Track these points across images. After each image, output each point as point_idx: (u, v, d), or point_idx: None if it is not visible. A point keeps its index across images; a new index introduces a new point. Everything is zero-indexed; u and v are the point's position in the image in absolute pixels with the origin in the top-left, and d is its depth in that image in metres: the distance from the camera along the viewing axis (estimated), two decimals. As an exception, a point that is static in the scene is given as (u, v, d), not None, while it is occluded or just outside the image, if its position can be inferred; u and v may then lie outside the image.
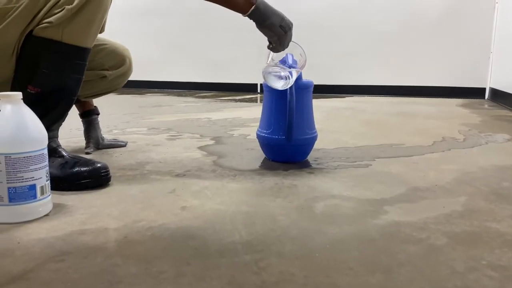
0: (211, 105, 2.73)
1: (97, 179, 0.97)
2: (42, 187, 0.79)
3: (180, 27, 3.82)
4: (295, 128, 1.14)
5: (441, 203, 0.89)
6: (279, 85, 1.12)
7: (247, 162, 1.23)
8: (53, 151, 0.97)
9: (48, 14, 0.90)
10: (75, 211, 0.83)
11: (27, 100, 0.82)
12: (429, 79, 3.29)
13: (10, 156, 0.75)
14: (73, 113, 1.36)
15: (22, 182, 0.76)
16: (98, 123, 1.36)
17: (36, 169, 0.78)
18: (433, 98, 3.10)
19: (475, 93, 3.15)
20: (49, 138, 0.96)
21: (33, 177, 0.77)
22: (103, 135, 1.39)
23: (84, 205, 0.86)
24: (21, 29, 0.90)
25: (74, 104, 1.32)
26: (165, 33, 3.90)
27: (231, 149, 1.41)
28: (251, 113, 2.28)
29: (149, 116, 2.19)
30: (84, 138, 1.36)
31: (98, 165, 0.97)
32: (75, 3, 0.90)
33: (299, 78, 1.16)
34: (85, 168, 0.96)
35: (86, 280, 0.58)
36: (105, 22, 1.02)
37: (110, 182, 1.00)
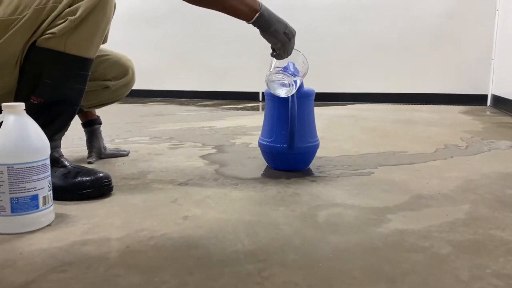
0: (213, 114, 2.74)
1: (99, 188, 0.96)
2: (44, 197, 0.79)
3: (182, 36, 3.84)
4: (297, 137, 1.14)
5: (445, 211, 0.89)
6: (283, 92, 1.13)
7: (249, 170, 1.23)
8: (56, 161, 0.97)
9: (52, 25, 0.90)
10: (77, 221, 0.83)
11: (30, 111, 0.82)
12: (431, 86, 3.30)
13: (12, 167, 0.75)
14: (76, 123, 1.37)
15: (24, 192, 0.76)
16: (100, 132, 1.37)
17: (38, 179, 0.78)
18: (434, 105, 3.10)
19: (477, 100, 3.15)
20: (51, 148, 0.96)
21: (35, 187, 0.77)
22: (105, 145, 1.39)
23: (86, 215, 0.86)
24: (24, 40, 0.91)
25: (77, 114, 1.33)
26: (167, 42, 3.92)
27: (233, 157, 1.41)
28: (253, 122, 2.28)
29: (151, 125, 2.19)
30: (86, 148, 1.36)
31: (100, 174, 0.97)
32: (78, 14, 0.90)
33: (300, 86, 1.17)
34: (87, 178, 0.96)
35: (88, 290, 0.58)
36: (107, 32, 1.03)
37: (112, 192, 1.00)
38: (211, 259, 0.67)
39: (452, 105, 3.12)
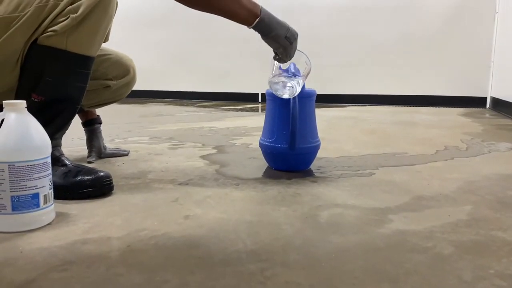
0: (213, 115, 2.73)
1: (100, 188, 0.96)
2: (45, 196, 0.79)
3: (182, 37, 3.84)
4: (298, 137, 1.14)
5: (446, 212, 0.89)
6: (286, 94, 1.13)
7: (250, 171, 1.23)
8: (56, 159, 0.97)
9: (53, 22, 0.90)
10: (78, 220, 0.83)
11: (31, 109, 0.82)
12: (430, 89, 3.30)
13: (13, 165, 0.75)
14: (76, 122, 1.37)
15: (25, 190, 0.76)
16: (100, 132, 1.36)
17: (39, 178, 0.77)
18: (434, 108, 3.11)
19: (476, 102, 3.15)
20: (52, 146, 0.96)
21: (36, 186, 0.77)
22: (105, 144, 1.39)
23: (87, 214, 0.86)
24: (26, 37, 0.90)
25: (77, 113, 1.32)
26: (167, 43, 3.91)
27: (234, 158, 1.40)
28: (253, 122, 2.28)
29: (151, 125, 2.19)
30: (86, 147, 1.36)
31: (101, 174, 0.97)
32: (79, 12, 0.90)
33: (302, 87, 1.17)
34: (88, 177, 0.95)
35: (90, 289, 0.58)
36: (109, 31, 1.03)
37: (113, 191, 1.00)
38: (212, 258, 0.67)
39: (451, 107, 3.13)
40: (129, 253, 0.69)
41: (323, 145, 1.28)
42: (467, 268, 0.64)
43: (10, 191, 0.75)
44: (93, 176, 0.96)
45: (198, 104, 3.45)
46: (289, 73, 1.11)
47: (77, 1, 0.90)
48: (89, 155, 1.33)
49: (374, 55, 3.37)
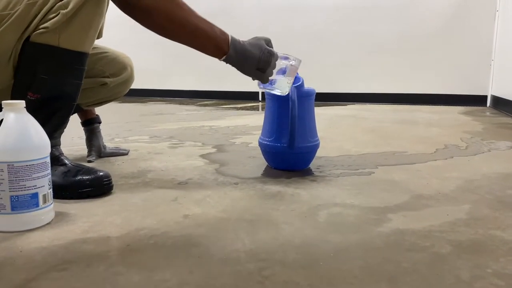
0: (213, 113, 2.73)
1: (99, 187, 0.96)
2: (44, 195, 0.79)
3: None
4: (297, 136, 1.14)
5: (445, 211, 0.89)
6: (277, 92, 1.12)
7: (249, 170, 1.23)
8: (56, 159, 0.97)
9: (44, 19, 0.90)
10: (77, 219, 0.83)
11: (28, 107, 0.82)
12: (431, 87, 3.30)
13: (13, 164, 0.75)
14: (75, 121, 1.37)
15: (24, 190, 0.76)
16: (100, 131, 1.36)
17: (38, 177, 0.78)
18: (434, 106, 3.10)
19: (477, 100, 3.15)
20: (51, 146, 0.96)
21: (35, 185, 0.77)
22: (105, 144, 1.39)
23: (86, 214, 0.86)
24: (17, 35, 0.90)
25: (76, 112, 1.33)
26: (166, 42, 3.91)
27: (233, 157, 1.40)
28: (253, 121, 2.28)
29: (151, 124, 2.19)
30: (86, 147, 1.36)
31: (101, 173, 0.97)
32: (70, 7, 0.89)
33: (301, 86, 1.17)
34: (87, 177, 0.96)
35: (89, 289, 0.58)
36: (102, 27, 1.02)
37: (112, 191, 1.00)
38: (211, 258, 0.67)
39: (452, 105, 3.12)
40: (128, 253, 0.69)
41: (322, 144, 1.28)
42: (465, 267, 0.64)
43: (10, 191, 0.75)
44: (92, 176, 0.96)
45: (198, 103, 3.45)
46: (271, 83, 1.09)
47: None
48: (89, 155, 1.33)
49: (375, 53, 3.37)
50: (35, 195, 0.77)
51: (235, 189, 1.04)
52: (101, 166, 1.25)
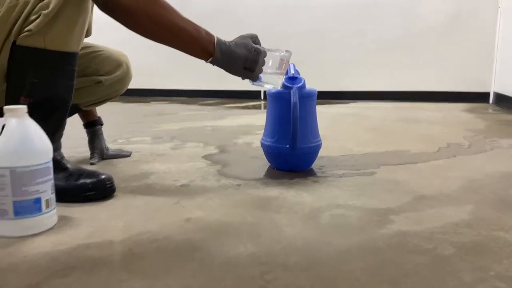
0: (215, 113, 2.73)
1: (102, 191, 0.97)
2: (47, 200, 0.79)
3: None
4: (299, 137, 1.14)
5: (448, 211, 0.89)
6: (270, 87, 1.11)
7: (251, 171, 1.23)
8: (57, 163, 0.97)
9: (27, 21, 0.89)
10: (80, 223, 0.83)
11: None
12: (433, 85, 3.29)
13: (15, 170, 0.75)
14: (78, 123, 1.37)
15: (27, 195, 0.76)
16: (102, 133, 1.37)
17: (41, 182, 0.78)
18: (437, 103, 3.09)
19: (479, 98, 3.14)
20: (52, 150, 0.97)
21: (38, 190, 0.77)
22: (107, 145, 1.39)
23: (89, 218, 0.86)
24: (1, 39, 0.89)
25: (78, 114, 1.33)
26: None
27: (236, 157, 1.41)
28: (255, 121, 2.28)
29: (154, 124, 2.19)
30: (88, 149, 1.36)
31: (103, 176, 0.97)
32: (50, 8, 0.88)
33: (303, 86, 1.16)
34: (89, 180, 0.96)
35: (92, 295, 0.58)
36: (90, 24, 1.01)
37: (115, 194, 1.00)
38: (213, 262, 0.67)
39: (454, 103, 3.11)
40: (131, 257, 0.69)
41: (325, 143, 1.28)
42: (468, 270, 0.64)
43: (12, 196, 0.76)
44: (94, 179, 0.96)
45: (201, 102, 3.45)
46: (260, 80, 1.08)
47: None
48: (92, 157, 1.33)
49: (377, 51, 3.36)
50: (38, 200, 0.78)
51: (237, 191, 1.04)
52: (103, 168, 1.26)
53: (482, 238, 0.75)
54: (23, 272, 0.64)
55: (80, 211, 0.90)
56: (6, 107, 0.78)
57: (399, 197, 0.98)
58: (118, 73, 1.25)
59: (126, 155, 1.41)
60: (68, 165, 0.99)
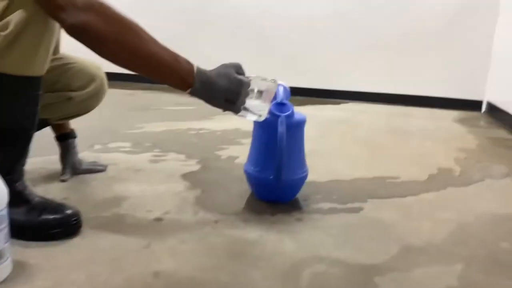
0: (202, 110, 2.63)
1: (66, 228, 0.89)
2: (-1, 252, 0.72)
3: (176, 26, 3.69)
4: (284, 168, 1.07)
5: (436, 273, 0.83)
6: (254, 118, 1.04)
7: (232, 200, 1.16)
8: (19, 194, 0.89)
9: None
10: (36, 274, 0.76)
11: None
12: (426, 89, 3.22)
13: (-38, 220, 0.67)
14: (50, 134, 1.28)
15: (-25, 248, 0.69)
16: (75, 147, 1.28)
17: (-8, 233, 0.70)
18: (428, 109, 3.04)
19: (472, 105, 3.09)
20: (14, 180, 0.89)
21: (-12, 242, 0.70)
22: (80, 159, 1.30)
23: (47, 265, 0.79)
24: None
25: (50, 126, 1.24)
26: (160, 32, 3.77)
27: (217, 178, 1.33)
28: (242, 124, 2.20)
29: (136, 123, 2.09)
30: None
31: (68, 212, 0.90)
32: (10, 29, 0.78)
33: (291, 115, 1.09)
34: (53, 216, 0.88)
35: None
36: (58, 43, 0.91)
37: (81, 228, 0.92)
38: None
39: (446, 109, 3.06)
40: (86, 331, 0.62)
41: (312, 161, 1.20)
42: None
43: (-42, 250, 0.68)
44: (59, 215, 0.89)
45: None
46: (249, 110, 1.00)
47: (6, 17, 0.78)
48: (63, 173, 1.25)
49: (372, 51, 3.27)
50: (-12, 252, 0.70)
51: (214, 231, 0.97)
52: (75, 186, 1.18)
53: (472, 318, 0.70)
54: None
55: (38, 255, 0.82)
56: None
57: (385, 247, 0.92)
58: (90, 88, 1.16)
59: (101, 169, 1.33)
60: (30, 197, 0.91)
